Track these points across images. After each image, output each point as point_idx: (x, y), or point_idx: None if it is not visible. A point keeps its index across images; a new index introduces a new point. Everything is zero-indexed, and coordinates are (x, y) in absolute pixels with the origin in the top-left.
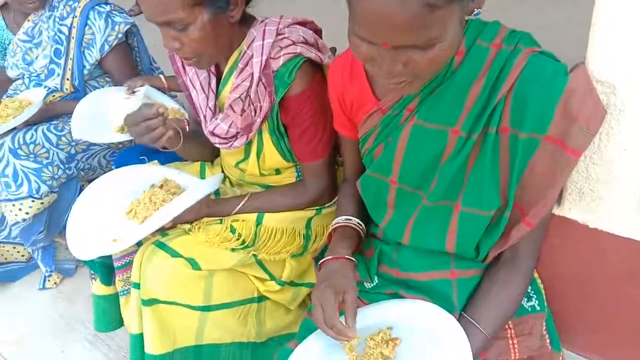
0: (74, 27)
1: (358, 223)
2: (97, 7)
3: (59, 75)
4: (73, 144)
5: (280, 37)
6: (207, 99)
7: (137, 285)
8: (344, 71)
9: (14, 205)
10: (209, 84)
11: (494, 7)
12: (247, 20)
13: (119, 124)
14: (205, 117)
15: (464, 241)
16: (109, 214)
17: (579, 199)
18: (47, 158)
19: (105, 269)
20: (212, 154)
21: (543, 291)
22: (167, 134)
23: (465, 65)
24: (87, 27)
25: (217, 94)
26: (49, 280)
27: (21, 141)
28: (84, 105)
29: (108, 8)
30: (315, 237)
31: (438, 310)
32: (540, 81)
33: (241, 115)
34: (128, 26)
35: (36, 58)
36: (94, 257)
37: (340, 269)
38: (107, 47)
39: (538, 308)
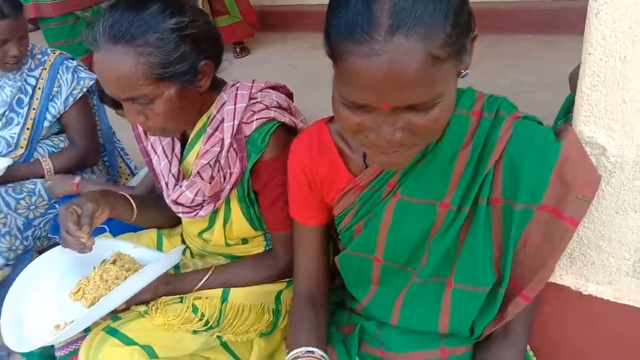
0: (42, 79)
1: (322, 356)
2: (65, 61)
3: (18, 124)
4: (32, 207)
5: (253, 101)
6: (170, 165)
7: None
8: (312, 148)
9: None
10: (173, 149)
11: None
12: (216, 85)
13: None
14: (167, 184)
15: (458, 321)
16: (52, 295)
17: (570, 264)
18: (4, 225)
19: (46, 359)
20: (173, 218)
21: None
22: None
23: (448, 136)
24: (56, 80)
25: (181, 160)
26: None
27: None
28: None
29: (75, 63)
30: (286, 313)
31: None
32: (532, 149)
33: (210, 183)
34: (92, 82)
35: None
36: (33, 349)
37: None
38: (71, 100)
39: None
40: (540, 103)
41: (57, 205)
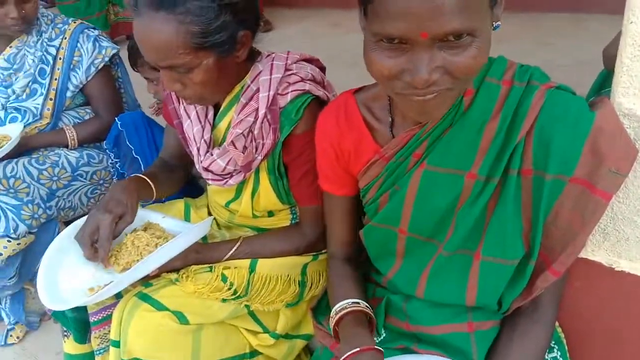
0: (63, 48)
1: (366, 306)
2: (86, 30)
3: (41, 95)
4: (55, 178)
5: (288, 72)
6: (203, 131)
7: (117, 344)
8: (338, 119)
9: None
10: (206, 115)
11: None
12: (251, 55)
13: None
14: (199, 150)
15: (486, 294)
16: (85, 260)
17: (603, 240)
18: (27, 195)
19: (80, 324)
20: (179, 182)
21: (564, 341)
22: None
23: (476, 105)
24: (76, 49)
25: (212, 126)
26: (11, 335)
27: (0, 175)
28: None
29: (96, 32)
30: (312, 284)
31: None
32: (565, 119)
33: (243, 152)
34: (114, 51)
35: (16, 79)
36: (67, 308)
37: None
38: (93, 70)
39: None
40: (571, 83)
41: (80, 178)
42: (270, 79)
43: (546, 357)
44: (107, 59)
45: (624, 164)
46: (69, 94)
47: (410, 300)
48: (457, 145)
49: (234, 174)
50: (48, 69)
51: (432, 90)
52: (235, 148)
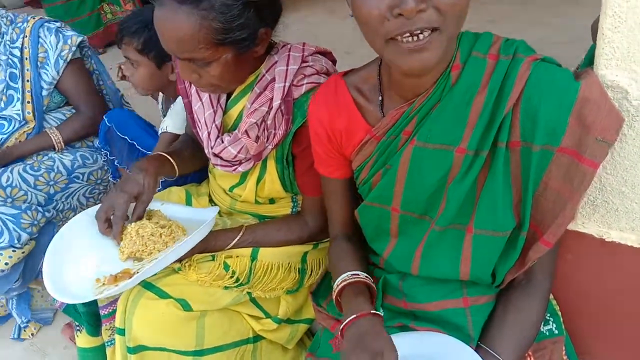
0: (26, 48)
1: (366, 276)
2: (45, 24)
3: (18, 100)
4: (51, 183)
5: (304, 64)
6: (214, 115)
7: (122, 332)
8: (328, 102)
9: None
10: (219, 99)
11: (470, 29)
12: (267, 46)
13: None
14: (209, 134)
15: (480, 267)
16: (90, 251)
17: (592, 212)
18: (25, 201)
19: (92, 317)
20: (204, 162)
21: (559, 313)
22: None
23: (464, 79)
24: (39, 45)
25: (224, 112)
26: (24, 331)
27: None
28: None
29: (57, 24)
30: (311, 272)
31: (456, 343)
32: (551, 90)
33: (256, 142)
34: (80, 38)
35: None
36: (81, 302)
37: (370, 328)
38: (62, 63)
39: (556, 332)
40: (566, 59)
41: (76, 180)
42: (287, 69)
43: (542, 329)
44: (74, 48)
45: (610, 132)
46: (44, 92)
47: (406, 278)
48: (445, 120)
49: (243, 161)
50: (17, 72)
51: (422, 27)
52: (249, 137)
